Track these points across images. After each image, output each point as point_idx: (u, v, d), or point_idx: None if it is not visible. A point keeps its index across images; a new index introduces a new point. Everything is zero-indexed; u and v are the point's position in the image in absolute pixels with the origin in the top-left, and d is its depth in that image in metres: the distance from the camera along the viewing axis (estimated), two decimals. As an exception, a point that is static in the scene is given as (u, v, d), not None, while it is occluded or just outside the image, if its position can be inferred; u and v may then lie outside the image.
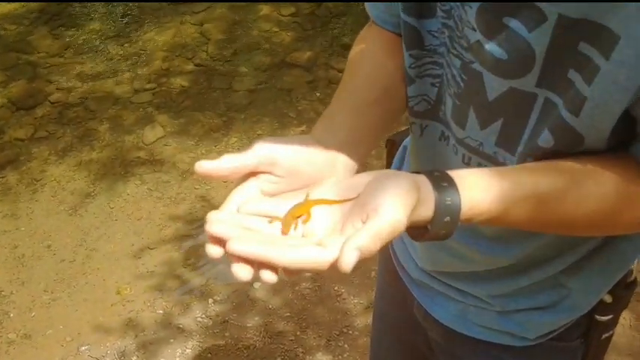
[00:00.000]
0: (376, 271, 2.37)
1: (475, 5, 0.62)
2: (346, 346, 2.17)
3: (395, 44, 0.77)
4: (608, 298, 0.83)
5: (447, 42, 0.69)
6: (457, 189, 0.56)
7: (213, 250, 0.56)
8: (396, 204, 0.51)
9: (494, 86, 0.64)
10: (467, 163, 0.73)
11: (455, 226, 0.56)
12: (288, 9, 4.13)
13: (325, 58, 3.66)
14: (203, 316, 2.31)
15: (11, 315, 2.35)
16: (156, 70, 3.64)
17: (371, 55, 0.80)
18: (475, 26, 0.63)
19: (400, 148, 1.01)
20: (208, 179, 0.61)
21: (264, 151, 0.61)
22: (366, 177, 0.57)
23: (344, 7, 4.14)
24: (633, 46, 0.52)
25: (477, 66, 0.65)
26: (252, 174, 0.62)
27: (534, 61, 0.59)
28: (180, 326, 2.27)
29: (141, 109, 3.35)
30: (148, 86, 3.52)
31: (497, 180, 0.58)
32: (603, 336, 0.87)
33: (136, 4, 4.29)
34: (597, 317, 0.85)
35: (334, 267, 0.51)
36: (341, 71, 2.50)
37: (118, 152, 3.09)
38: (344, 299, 2.34)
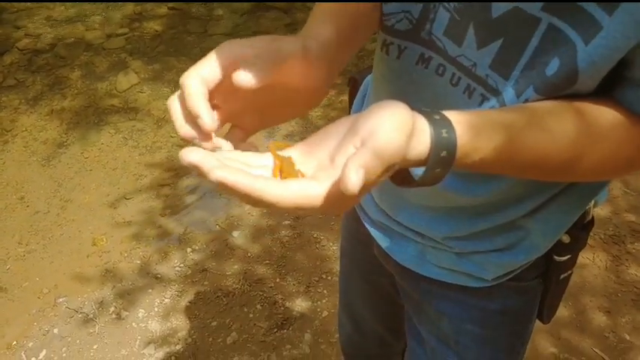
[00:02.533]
0: (355, 218, 2.38)
1: None
2: (325, 291, 2.17)
3: None
4: (565, 239, 0.82)
5: None
6: (451, 122, 0.52)
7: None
8: (394, 126, 0.47)
9: (501, 5, 0.61)
10: (454, 84, 0.69)
11: (450, 164, 0.53)
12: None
13: (304, -1, 3.55)
14: (181, 265, 2.29)
15: (-14, 268, 2.32)
16: (128, 15, 3.51)
17: None
18: None
19: (361, 87, 0.96)
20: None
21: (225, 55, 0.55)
22: (347, 119, 0.53)
23: None
24: None
25: None
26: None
27: None
28: (159, 275, 2.25)
29: (113, 55, 3.24)
30: (120, 31, 3.40)
31: (485, 117, 0.55)
32: (562, 276, 0.87)
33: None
34: (555, 257, 0.84)
35: (328, 202, 0.46)
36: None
37: (90, 100, 3.00)
38: (323, 246, 2.33)
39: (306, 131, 2.82)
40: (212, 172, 0.45)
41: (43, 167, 2.70)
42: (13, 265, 2.32)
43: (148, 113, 2.91)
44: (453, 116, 0.53)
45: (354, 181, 0.43)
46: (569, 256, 0.84)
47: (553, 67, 0.59)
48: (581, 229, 0.83)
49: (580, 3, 0.55)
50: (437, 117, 0.52)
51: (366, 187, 0.46)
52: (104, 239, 2.39)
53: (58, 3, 3.68)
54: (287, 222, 2.44)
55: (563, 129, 0.58)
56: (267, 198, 0.45)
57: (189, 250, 2.35)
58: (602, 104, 0.59)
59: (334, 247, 2.32)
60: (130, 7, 3.55)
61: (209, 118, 0.53)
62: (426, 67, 0.71)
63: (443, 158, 0.51)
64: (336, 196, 0.47)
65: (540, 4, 0.58)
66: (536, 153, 0.57)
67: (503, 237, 0.80)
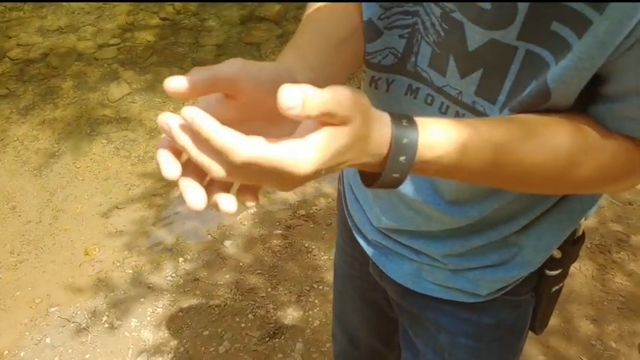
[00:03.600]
0: (346, 227, 2.40)
1: None
2: (317, 301, 2.19)
3: None
4: (557, 254, 0.85)
5: None
6: (417, 128, 0.53)
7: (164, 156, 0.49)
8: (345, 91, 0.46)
9: (475, 37, 0.62)
10: (444, 112, 0.71)
11: (409, 169, 0.53)
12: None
13: (295, 11, 3.59)
14: (174, 274, 2.31)
15: (-23, 277, 2.32)
16: (120, 25, 3.53)
17: None
18: None
19: None
20: (179, 98, 0.55)
21: (231, 72, 0.52)
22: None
23: None
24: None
25: (457, 15, 0.63)
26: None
27: (517, 12, 0.58)
28: (151, 285, 2.26)
29: (105, 66, 3.26)
30: (112, 41, 3.42)
31: (457, 125, 0.56)
32: (553, 289, 0.89)
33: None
34: (547, 272, 0.86)
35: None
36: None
37: (82, 110, 3.01)
38: (314, 255, 2.35)
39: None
40: (184, 110, 0.45)
41: (34, 177, 2.71)
42: (4, 274, 2.32)
43: (139, 123, 2.92)
44: (422, 123, 0.53)
45: (293, 98, 0.43)
46: (560, 270, 0.87)
47: (530, 87, 0.61)
48: (572, 244, 0.86)
49: (554, 29, 0.57)
50: (405, 122, 0.52)
51: (328, 169, 0.47)
52: (96, 249, 2.40)
53: (50, 13, 3.69)
54: (279, 231, 2.46)
55: (535, 140, 0.58)
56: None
57: (181, 259, 2.36)
58: (585, 119, 0.61)
59: (325, 257, 2.34)
60: (122, 18, 3.57)
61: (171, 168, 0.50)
62: (415, 97, 0.74)
63: (401, 163, 0.52)
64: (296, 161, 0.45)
65: (515, 34, 0.59)
66: (513, 164, 0.58)
67: (496, 253, 0.83)
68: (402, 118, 0.53)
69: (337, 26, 0.73)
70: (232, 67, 0.52)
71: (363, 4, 0.72)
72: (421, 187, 0.80)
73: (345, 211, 1.01)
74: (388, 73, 0.75)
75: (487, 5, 0.59)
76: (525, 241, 0.81)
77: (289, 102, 0.43)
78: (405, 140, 0.52)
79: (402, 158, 0.52)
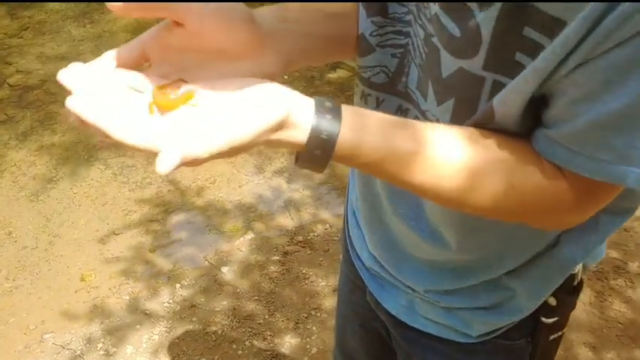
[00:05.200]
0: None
1: None
2: (314, 328, 2.18)
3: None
4: (552, 301, 0.83)
5: (414, 10, 0.66)
6: (339, 123, 0.54)
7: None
8: (250, 130, 0.50)
9: (447, 64, 0.63)
10: None
11: (325, 162, 0.55)
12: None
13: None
14: (170, 300, 2.29)
15: (-28, 303, 2.30)
16: (119, 52, 3.56)
17: None
18: None
19: None
20: (120, 14, 0.57)
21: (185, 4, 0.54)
22: (254, 81, 0.54)
23: None
24: (574, 29, 0.51)
25: (435, 40, 0.63)
26: (167, 25, 0.57)
27: (481, 42, 0.58)
28: (148, 312, 2.25)
29: (104, 92, 3.28)
30: (111, 68, 3.45)
31: (383, 129, 0.57)
32: (551, 337, 0.87)
33: (98, -17, 4.18)
34: (543, 319, 0.84)
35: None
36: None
37: (80, 136, 3.02)
38: (312, 282, 2.34)
39: (295, 167, 2.86)
40: (67, 100, 0.49)
41: (31, 202, 2.70)
42: (0, 300, 2.30)
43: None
44: (349, 118, 0.55)
45: (165, 166, 0.47)
46: (556, 319, 0.85)
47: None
48: (569, 292, 0.84)
49: (518, 59, 0.57)
50: (328, 115, 0.54)
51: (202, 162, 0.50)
52: (93, 275, 2.38)
53: (48, 39, 3.73)
54: (276, 257, 2.45)
55: (458, 153, 0.58)
56: (113, 136, 0.49)
57: (178, 285, 2.35)
58: (522, 144, 0.60)
59: (323, 283, 2.33)
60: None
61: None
62: (405, 117, 0.72)
63: (316, 155, 0.55)
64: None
65: (481, 64, 0.59)
66: (422, 172, 0.58)
67: (488, 295, 0.82)
68: (328, 112, 0.54)
69: (327, 3, 0.72)
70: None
71: (359, 18, 0.71)
72: (408, 212, 0.80)
73: (347, 236, 1.02)
74: (379, 91, 0.74)
75: (456, 31, 0.60)
76: (517, 286, 0.80)
77: (163, 169, 0.47)
78: (324, 135, 0.54)
79: (317, 152, 0.54)
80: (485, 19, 0.56)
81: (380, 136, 0.56)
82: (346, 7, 0.73)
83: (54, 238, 2.54)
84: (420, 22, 0.65)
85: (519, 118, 0.58)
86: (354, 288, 1.06)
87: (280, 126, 0.52)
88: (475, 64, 0.60)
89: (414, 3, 0.66)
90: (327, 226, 2.57)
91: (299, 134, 0.53)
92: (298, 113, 0.53)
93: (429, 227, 0.78)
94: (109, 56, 0.57)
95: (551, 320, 0.85)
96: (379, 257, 0.91)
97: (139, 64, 0.58)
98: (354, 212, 0.98)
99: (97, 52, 3.61)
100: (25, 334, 2.17)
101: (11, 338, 2.16)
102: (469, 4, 0.57)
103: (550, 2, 0.52)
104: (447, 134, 0.59)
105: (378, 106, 0.76)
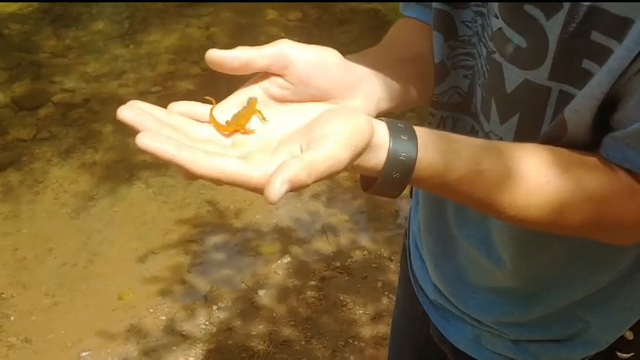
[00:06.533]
0: (383, 282, 2.36)
1: None
2: (352, 357, 2.14)
3: (427, 31, 0.75)
4: (629, 335, 0.80)
5: (478, 30, 0.68)
6: (416, 144, 0.53)
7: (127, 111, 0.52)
8: (340, 141, 0.48)
9: (512, 78, 0.63)
10: None
11: (404, 185, 0.53)
12: (294, 14, 4.12)
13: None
14: (207, 322, 2.28)
15: (12, 318, 2.32)
16: (161, 73, 3.62)
17: (407, 28, 0.79)
18: (498, 13, 0.62)
19: None
20: (219, 69, 0.57)
21: (280, 49, 0.57)
22: (324, 106, 0.55)
23: (350, 14, 4.13)
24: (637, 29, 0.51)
25: (497, 57, 0.64)
26: (265, 75, 0.58)
27: (547, 51, 0.58)
28: (184, 333, 2.24)
29: (146, 112, 3.33)
30: (153, 89, 3.50)
31: (460, 146, 0.56)
32: None
33: (141, 5, 4.28)
34: (618, 354, 0.81)
35: (259, 189, 0.48)
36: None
37: (122, 155, 3.06)
38: (349, 309, 2.31)
39: (332, 191, 2.84)
40: (137, 139, 0.47)
41: (72, 219, 2.73)
42: (38, 316, 2.32)
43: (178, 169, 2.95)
44: (425, 139, 0.54)
45: (274, 193, 0.45)
46: (632, 354, 0.82)
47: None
48: None
49: (585, 67, 0.57)
50: (404, 137, 0.52)
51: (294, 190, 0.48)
52: (130, 294, 2.39)
53: (91, 59, 3.81)
54: (313, 282, 2.43)
55: (542, 172, 0.57)
56: (194, 170, 0.47)
57: (215, 307, 2.33)
58: (595, 154, 0.59)
59: (360, 311, 2.30)
60: (163, 67, 3.67)
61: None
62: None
63: (395, 179, 0.52)
64: (261, 185, 0.47)
65: (546, 73, 0.59)
66: (501, 190, 0.57)
67: (560, 327, 0.79)
68: (403, 133, 0.53)
69: (405, 46, 0.76)
70: (282, 46, 0.57)
71: (435, 48, 0.73)
72: (477, 235, 0.79)
73: (409, 268, 1.00)
74: (455, 111, 0.75)
75: (522, 42, 0.60)
76: (592, 317, 0.77)
77: (273, 196, 0.45)
78: (402, 157, 0.52)
79: (395, 175, 0.52)
80: (552, 26, 0.57)
81: (459, 155, 0.55)
82: (422, 48, 0.74)
83: (93, 256, 2.56)
84: (483, 41, 0.67)
85: (591, 127, 0.58)
86: (413, 320, 1.04)
87: (365, 148, 0.50)
88: (541, 75, 0.60)
89: (479, 23, 0.67)
90: (365, 252, 2.54)
91: (379, 156, 0.52)
92: (376, 135, 0.52)
93: (496, 252, 0.77)
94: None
95: (627, 355, 0.81)
96: (444, 290, 0.89)
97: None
98: (416, 244, 0.96)
99: (138, 72, 3.68)
100: (63, 351, 2.18)
101: (49, 355, 2.17)
102: (534, 14, 0.58)
103: (618, 2, 0.52)
104: (528, 152, 0.59)
105: (454, 126, 0.77)
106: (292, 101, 0.58)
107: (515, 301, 0.81)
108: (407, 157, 0.52)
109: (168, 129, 0.51)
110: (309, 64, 0.58)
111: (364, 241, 2.60)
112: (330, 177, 0.49)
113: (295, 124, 0.54)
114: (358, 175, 0.58)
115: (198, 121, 0.55)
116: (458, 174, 0.55)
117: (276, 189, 0.45)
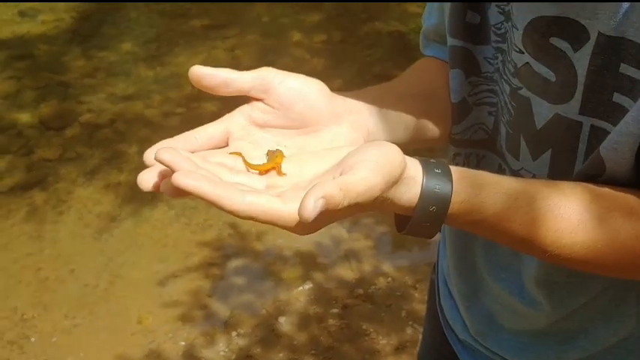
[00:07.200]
0: (407, 311, 2.31)
1: (521, 27, 0.60)
2: (374, 388, 2.08)
3: (446, 69, 0.74)
4: None
5: (500, 67, 0.67)
6: (450, 178, 0.51)
7: (146, 178, 0.53)
8: (374, 167, 0.47)
9: (542, 113, 0.61)
10: None
11: (441, 220, 0.51)
12: (319, 36, 4.13)
13: (356, 86, 3.62)
14: (226, 349, 2.24)
15: (32, 339, 2.31)
16: (186, 94, 3.64)
17: (426, 66, 0.80)
18: (523, 48, 0.61)
19: None
20: (198, 86, 0.62)
21: (262, 74, 0.58)
22: (347, 149, 0.53)
23: (375, 36, 4.13)
24: None
25: (524, 92, 0.63)
26: (249, 102, 0.60)
27: (576, 84, 0.57)
28: (203, 359, 2.20)
29: (170, 133, 3.33)
30: (178, 110, 3.52)
31: (495, 181, 0.55)
32: None
33: (168, 27, 4.33)
34: None
35: (293, 224, 0.47)
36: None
37: (145, 176, 3.06)
38: (372, 339, 2.25)
39: (355, 216, 2.80)
40: (173, 177, 0.47)
41: (95, 240, 2.73)
42: (59, 337, 2.31)
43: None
44: (459, 173, 0.52)
45: (309, 209, 0.43)
46: None
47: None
48: None
49: (617, 100, 0.55)
50: (437, 170, 0.51)
51: (327, 218, 0.46)
52: (150, 318, 2.37)
53: (119, 80, 3.86)
54: (335, 310, 2.38)
55: (574, 209, 0.55)
56: (225, 207, 0.46)
57: (234, 333, 2.30)
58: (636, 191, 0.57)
59: (384, 341, 2.24)
60: (188, 88, 3.68)
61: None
62: None
63: (432, 213, 0.51)
64: (295, 219, 0.47)
65: (577, 107, 0.57)
66: (539, 228, 0.55)
67: None
68: (435, 167, 0.52)
69: (415, 80, 0.76)
70: (264, 72, 0.59)
71: (453, 85, 0.72)
72: (509, 276, 0.76)
73: (437, 305, 0.96)
74: (479, 148, 0.74)
75: (551, 76, 0.59)
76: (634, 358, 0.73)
77: (307, 213, 0.43)
78: (437, 188, 0.51)
79: (432, 208, 0.51)
80: (580, 58, 0.56)
81: (494, 189, 0.54)
82: (439, 85, 0.74)
83: (115, 277, 2.55)
84: (505, 78, 0.65)
85: (633, 164, 0.55)
86: (440, 358, 1.00)
87: (398, 178, 0.49)
88: (571, 109, 0.58)
89: (499, 60, 0.66)
90: (390, 279, 2.49)
91: (412, 189, 0.50)
92: (408, 168, 0.50)
93: (530, 294, 0.74)
94: (192, 134, 0.58)
95: None
96: (475, 331, 0.86)
97: (221, 142, 0.59)
98: (445, 281, 0.93)
99: (164, 93, 3.71)
100: (82, 375, 2.16)
101: (68, 379, 2.15)
102: (561, 46, 0.57)
103: None
104: (568, 188, 0.57)
105: (479, 163, 0.75)
106: (274, 126, 0.59)
107: (552, 343, 0.77)
108: (441, 189, 0.51)
109: (203, 171, 0.51)
110: (290, 88, 0.59)
111: (388, 268, 2.55)
112: (364, 207, 0.47)
113: (326, 166, 0.53)
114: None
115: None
116: (495, 209, 0.53)
117: (310, 205, 0.43)
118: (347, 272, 2.54)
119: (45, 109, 3.59)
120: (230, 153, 0.56)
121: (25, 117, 3.51)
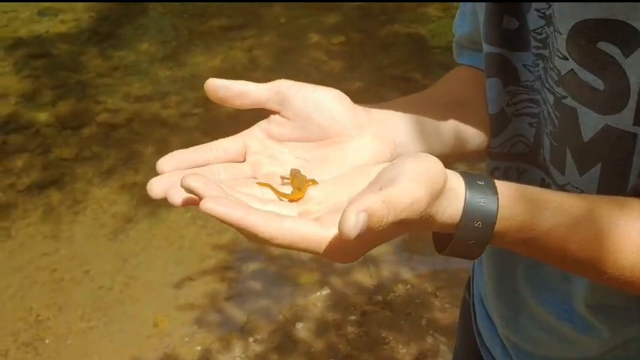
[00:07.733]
0: (427, 319, 2.25)
1: (565, 31, 0.55)
2: (394, 399, 2.03)
3: (481, 78, 0.70)
4: None
5: (541, 74, 0.62)
6: (495, 191, 0.47)
7: (157, 185, 0.52)
8: (416, 177, 0.43)
9: (590, 124, 0.57)
10: None
11: (487, 238, 0.47)
12: (338, 38, 4.09)
13: (375, 88, 3.58)
14: (243, 355, 2.20)
15: (47, 341, 2.29)
16: (204, 95, 3.53)
17: (460, 75, 0.76)
18: (567, 54, 0.56)
19: None
20: (214, 100, 0.58)
21: (277, 85, 0.57)
22: (382, 165, 0.49)
23: (393, 38, 4.08)
24: None
25: (569, 101, 0.58)
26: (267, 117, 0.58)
27: (629, 93, 0.52)
28: (219, 365, 2.17)
29: (187, 134, 3.31)
30: (195, 111, 3.49)
31: (546, 196, 0.51)
32: None
33: (186, 27, 4.31)
34: None
35: (335, 250, 0.43)
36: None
37: (162, 177, 3.04)
38: (392, 347, 2.20)
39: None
40: (202, 203, 0.43)
41: (110, 241, 2.71)
42: (74, 340, 2.28)
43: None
44: (504, 186, 0.48)
45: (351, 224, 0.38)
46: None
47: None
48: None
49: None
50: (480, 182, 0.47)
51: (372, 238, 0.43)
52: (165, 321, 2.33)
53: (136, 80, 3.84)
54: (353, 317, 2.33)
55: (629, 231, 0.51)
56: (261, 233, 0.42)
57: (251, 339, 2.26)
58: None
59: (404, 350, 2.19)
60: (205, 88, 3.67)
61: None
62: None
63: (477, 228, 0.46)
64: (337, 244, 0.43)
65: (631, 118, 0.53)
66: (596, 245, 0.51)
67: None
68: (478, 179, 0.47)
69: (446, 90, 0.71)
70: (280, 83, 0.57)
71: (490, 95, 0.68)
72: (555, 302, 0.71)
73: (473, 325, 0.91)
74: (519, 162, 0.69)
75: (600, 84, 0.54)
76: None
77: (349, 229, 0.39)
78: (481, 202, 0.46)
79: (477, 224, 0.46)
80: (632, 64, 0.51)
81: (545, 204, 0.50)
82: (474, 94, 0.70)
83: (130, 279, 2.52)
84: (548, 86, 0.61)
85: None
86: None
87: (441, 190, 0.45)
88: (624, 119, 0.54)
89: (540, 67, 0.62)
90: (409, 286, 2.43)
91: (455, 203, 0.46)
92: (450, 180, 0.46)
93: (582, 319, 0.69)
94: (208, 146, 0.56)
95: None
96: (516, 356, 0.80)
97: (238, 157, 0.57)
98: (481, 299, 0.87)
99: (181, 93, 3.68)
100: (96, 378, 2.13)
101: (82, 382, 2.12)
102: (611, 51, 0.53)
103: None
104: (628, 205, 0.53)
105: (519, 178, 0.70)
106: (292, 139, 0.57)
107: None
108: (487, 203, 0.46)
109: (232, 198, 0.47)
110: (306, 99, 0.56)
111: (407, 274, 2.49)
112: (409, 224, 0.43)
113: (360, 186, 0.48)
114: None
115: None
116: (548, 225, 0.49)
117: (352, 220, 0.38)
118: (365, 278, 2.49)
119: (62, 108, 3.58)
120: (258, 183, 0.53)
121: (42, 116, 3.51)
